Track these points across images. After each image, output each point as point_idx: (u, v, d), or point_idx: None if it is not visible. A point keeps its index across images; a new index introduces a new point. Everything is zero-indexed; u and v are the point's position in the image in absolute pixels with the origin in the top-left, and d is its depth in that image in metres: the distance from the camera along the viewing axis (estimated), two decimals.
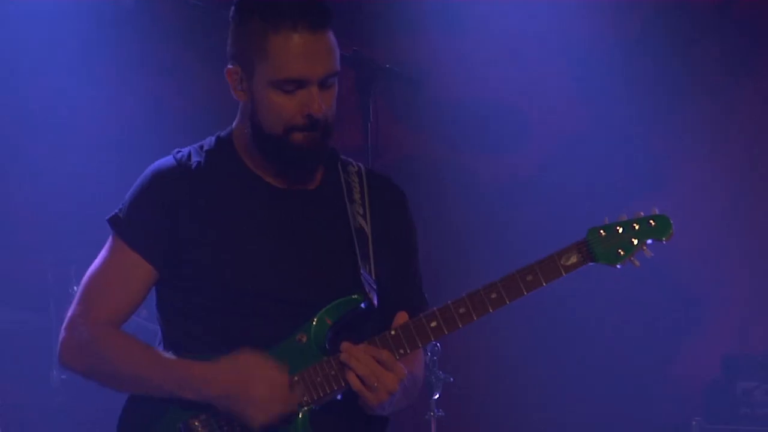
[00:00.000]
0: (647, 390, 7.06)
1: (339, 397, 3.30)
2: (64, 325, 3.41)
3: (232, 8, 3.39)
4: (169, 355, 3.33)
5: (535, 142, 7.16)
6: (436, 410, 5.57)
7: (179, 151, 3.46)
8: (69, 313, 3.42)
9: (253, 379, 3.23)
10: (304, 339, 3.29)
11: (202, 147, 3.48)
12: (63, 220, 6.70)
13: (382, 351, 3.21)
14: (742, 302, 7.07)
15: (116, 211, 3.44)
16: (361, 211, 3.44)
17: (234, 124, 3.49)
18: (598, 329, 7.04)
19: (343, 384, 3.26)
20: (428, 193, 6.33)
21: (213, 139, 3.49)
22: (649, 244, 3.32)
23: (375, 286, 3.37)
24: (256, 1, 3.34)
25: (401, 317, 3.28)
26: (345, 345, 3.23)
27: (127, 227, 3.39)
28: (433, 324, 3.27)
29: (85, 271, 6.17)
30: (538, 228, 6.25)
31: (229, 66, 3.40)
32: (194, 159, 3.44)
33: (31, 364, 6.33)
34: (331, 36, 3.34)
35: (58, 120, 6.79)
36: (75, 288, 6.12)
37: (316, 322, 3.30)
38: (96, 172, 6.73)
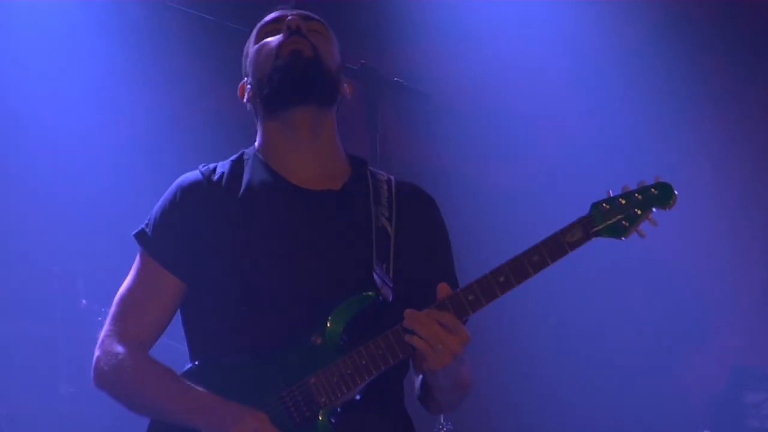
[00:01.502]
0: (654, 402, 7.05)
1: (358, 397, 3.29)
2: (98, 344, 3.43)
3: None
4: (188, 385, 3.33)
5: (542, 151, 7.17)
6: (445, 423, 5.57)
7: (205, 165, 3.51)
8: (102, 333, 3.44)
9: (239, 422, 3.23)
10: (319, 341, 3.30)
11: (227, 160, 3.54)
12: (71, 233, 6.70)
13: (444, 314, 3.20)
14: (750, 313, 7.06)
15: (143, 226, 3.47)
16: (387, 214, 3.46)
17: (256, 142, 3.56)
18: (605, 340, 7.04)
19: (358, 382, 3.27)
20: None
21: (238, 153, 3.56)
22: (655, 214, 3.27)
23: (391, 284, 3.38)
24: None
25: (443, 290, 3.27)
26: (408, 311, 3.22)
27: (157, 244, 3.43)
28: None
29: (93, 283, 6.21)
30: (548, 234, 6.24)
31: (239, 85, 3.59)
32: (219, 170, 3.49)
33: (39, 377, 6.33)
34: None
35: (65, 132, 6.80)
36: (84, 301, 6.16)
37: (330, 322, 3.31)
38: (105, 185, 6.74)
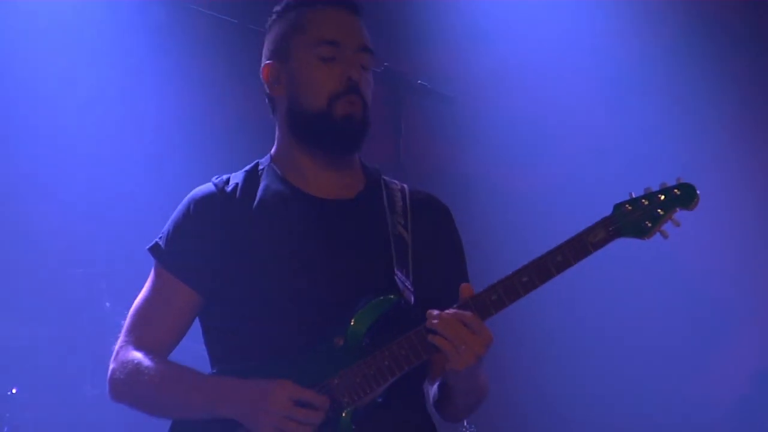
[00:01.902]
0: (675, 407, 7.01)
1: (380, 399, 3.29)
2: (112, 357, 3.43)
3: (272, 16, 3.53)
4: (204, 375, 3.35)
5: (565, 155, 7.15)
6: (468, 426, 5.57)
7: (218, 177, 3.51)
8: (116, 346, 3.44)
9: (267, 397, 3.22)
10: (342, 342, 3.30)
11: (241, 170, 3.54)
12: (95, 237, 6.71)
13: (467, 314, 3.19)
14: None
15: (156, 240, 3.47)
16: (402, 222, 3.46)
17: (273, 150, 3.54)
18: (627, 343, 7.01)
19: (381, 383, 3.27)
20: (459, 208, 6.33)
21: (252, 164, 3.55)
22: (678, 215, 3.26)
23: (412, 288, 3.38)
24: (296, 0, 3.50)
25: (466, 290, 3.26)
26: (430, 311, 3.21)
27: (169, 256, 3.43)
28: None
29: (117, 286, 6.22)
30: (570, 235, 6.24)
31: (265, 62, 3.51)
32: (233, 182, 3.49)
33: (64, 379, 6.35)
34: (362, 19, 3.48)
35: (90, 136, 6.81)
36: (108, 304, 6.17)
37: (353, 324, 3.30)
38: (129, 188, 6.75)
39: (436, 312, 3.21)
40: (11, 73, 6.74)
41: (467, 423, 5.58)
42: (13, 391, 6.24)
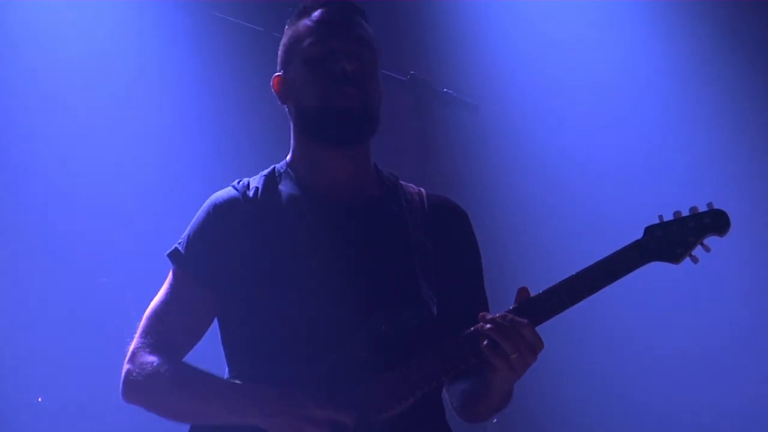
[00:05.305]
0: (717, 412, 6.96)
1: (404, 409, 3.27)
2: (127, 359, 3.41)
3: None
4: (227, 382, 3.33)
5: (589, 164, 7.13)
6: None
7: (239, 181, 3.51)
8: (131, 347, 3.42)
9: (301, 412, 3.22)
10: (365, 354, 3.28)
11: (260, 175, 3.53)
12: (121, 246, 6.72)
13: (523, 321, 3.17)
14: None
15: (176, 245, 3.46)
16: (423, 228, 3.45)
17: (288, 156, 3.54)
18: (663, 348, 6.98)
19: (414, 394, 3.25)
20: (483, 215, 6.32)
21: (269, 168, 3.55)
22: (709, 240, 3.27)
23: (435, 299, 3.37)
24: (293, 12, 3.55)
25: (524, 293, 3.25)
26: (484, 315, 3.20)
27: (190, 260, 3.42)
28: None
29: (143, 296, 6.22)
30: (595, 247, 6.21)
31: (274, 75, 3.54)
32: (253, 186, 3.48)
33: (90, 389, 6.36)
34: (359, 19, 3.49)
35: (114, 144, 6.82)
36: (134, 313, 6.17)
37: (377, 336, 3.29)
38: (154, 199, 6.76)
39: (489, 316, 3.19)
40: (42, 81, 6.76)
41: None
42: (39, 400, 6.26)
